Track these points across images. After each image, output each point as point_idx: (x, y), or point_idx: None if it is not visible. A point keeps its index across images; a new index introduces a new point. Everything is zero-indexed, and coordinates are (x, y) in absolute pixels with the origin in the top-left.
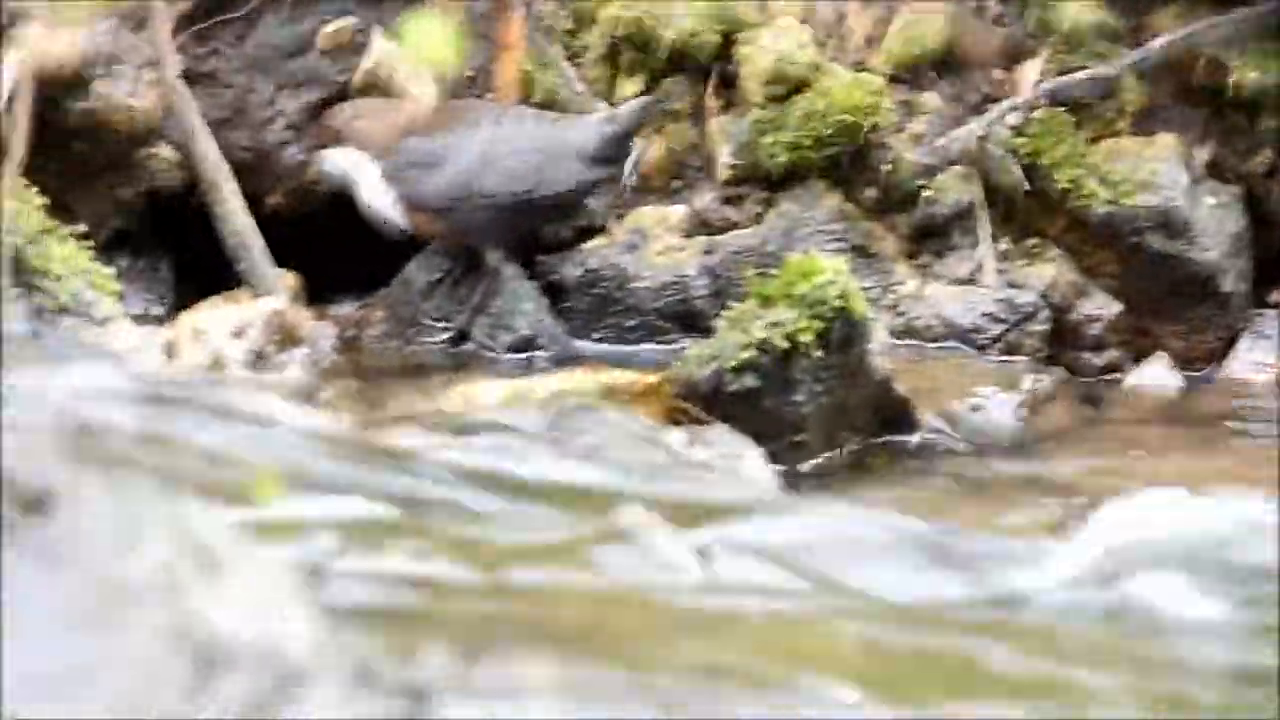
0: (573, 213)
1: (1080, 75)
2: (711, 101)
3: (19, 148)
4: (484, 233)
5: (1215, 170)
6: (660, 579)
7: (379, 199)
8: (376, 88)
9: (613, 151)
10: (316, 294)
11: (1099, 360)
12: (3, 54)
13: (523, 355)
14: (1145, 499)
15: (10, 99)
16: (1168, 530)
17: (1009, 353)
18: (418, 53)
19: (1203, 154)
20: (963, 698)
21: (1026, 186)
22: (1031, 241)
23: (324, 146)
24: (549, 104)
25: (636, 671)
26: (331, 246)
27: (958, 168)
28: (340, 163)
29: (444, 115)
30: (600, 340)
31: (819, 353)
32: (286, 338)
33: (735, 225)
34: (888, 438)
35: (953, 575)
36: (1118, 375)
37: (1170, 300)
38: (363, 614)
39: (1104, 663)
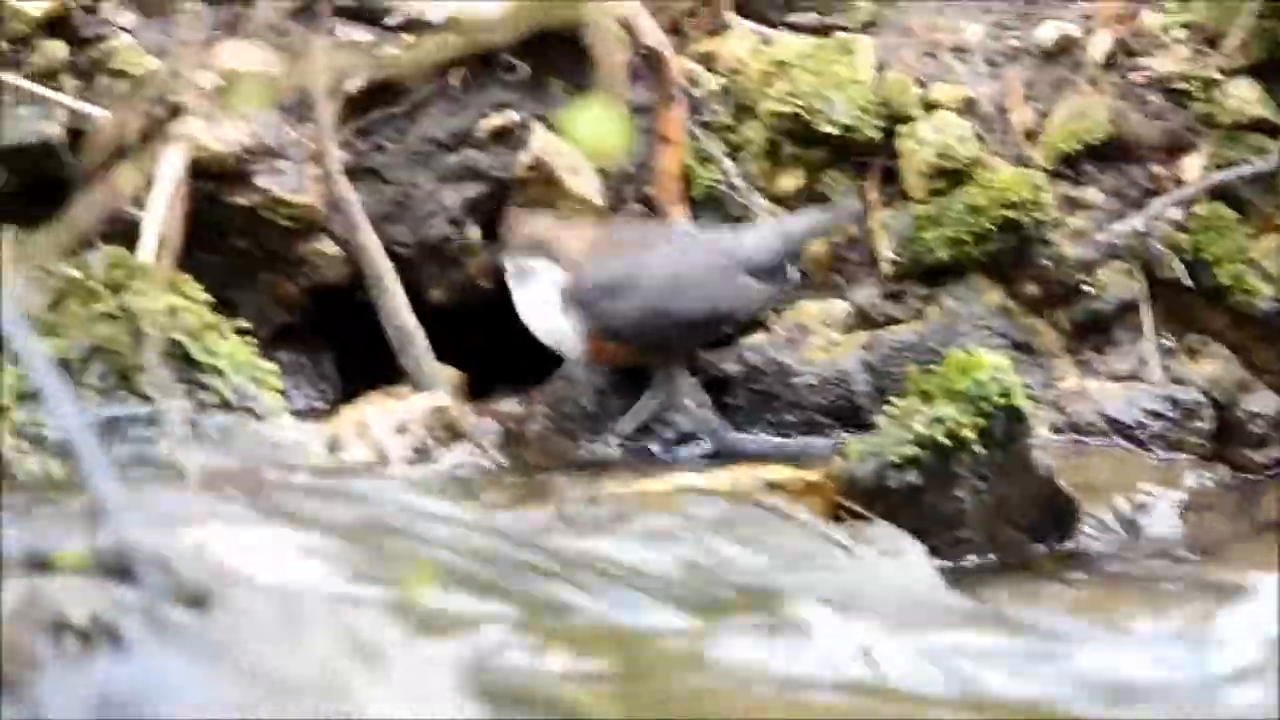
0: (752, 326)
1: (1243, 169)
2: (873, 195)
3: (178, 240)
4: (671, 354)
5: None
6: (824, 675)
7: (551, 319)
8: (537, 181)
9: (787, 265)
10: (478, 388)
11: (1263, 457)
12: (166, 147)
13: (683, 451)
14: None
15: (172, 193)
16: None
17: (1172, 449)
18: (581, 145)
19: None
20: None
21: (1189, 282)
22: (1194, 337)
23: (510, 248)
24: (709, 199)
25: None
26: (492, 340)
27: (1120, 262)
28: (524, 269)
29: (619, 235)
30: (761, 435)
31: (981, 449)
32: (449, 433)
33: (896, 320)
34: (1051, 535)
35: (1115, 684)
36: None
37: None
38: (525, 707)
39: None
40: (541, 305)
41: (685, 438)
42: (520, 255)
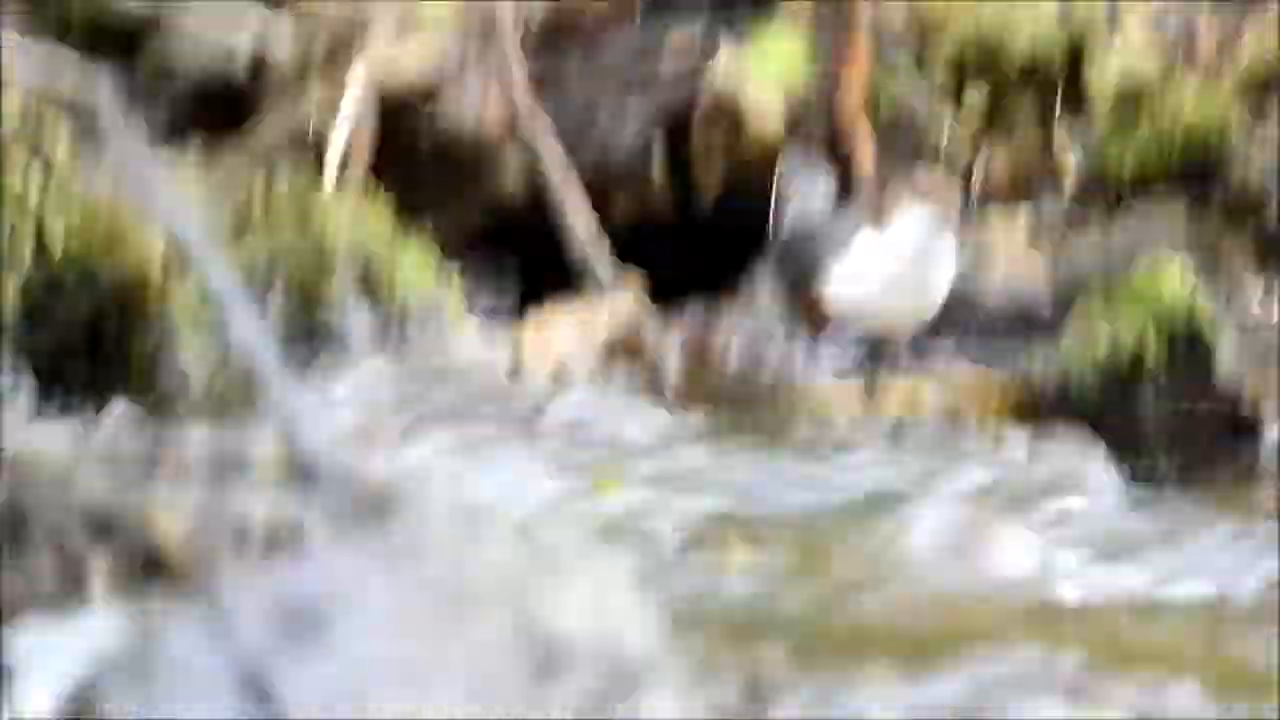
0: None
1: None
2: (1059, 110)
3: (363, 156)
4: None
5: None
6: (1008, 576)
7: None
8: (723, 101)
9: None
10: (660, 297)
11: None
12: (353, 66)
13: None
14: None
15: (358, 111)
16: None
17: None
18: (766, 69)
19: None
20: None
21: None
22: None
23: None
24: (894, 113)
25: (973, 670)
26: (674, 252)
27: None
28: (918, 226)
29: None
30: (949, 346)
31: (1164, 365)
32: (631, 346)
33: (1082, 234)
34: (1233, 452)
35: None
36: None
37: None
38: (702, 612)
39: None
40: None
41: (874, 349)
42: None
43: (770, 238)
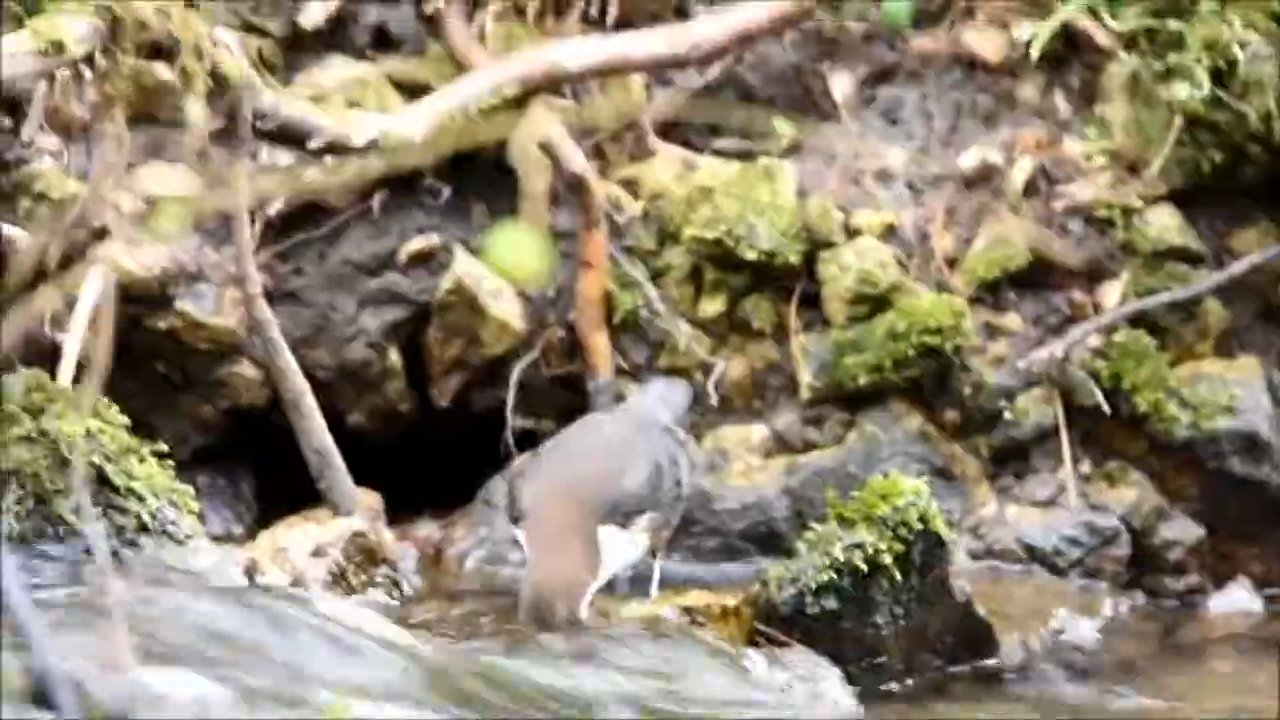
0: None
1: (1162, 297)
2: (794, 320)
3: (101, 364)
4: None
5: None
6: None
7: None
8: (459, 305)
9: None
10: (397, 511)
11: (1180, 584)
12: (87, 270)
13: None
14: None
15: (93, 317)
16: None
17: (1089, 576)
18: (503, 269)
19: None
20: None
21: (1108, 409)
22: (1113, 464)
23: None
24: (631, 324)
25: None
26: (411, 464)
27: (1039, 389)
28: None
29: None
30: (681, 560)
31: (899, 575)
32: (368, 557)
33: (816, 446)
34: (968, 661)
35: None
36: (1198, 599)
37: (1252, 524)
38: None
39: None
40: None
41: None
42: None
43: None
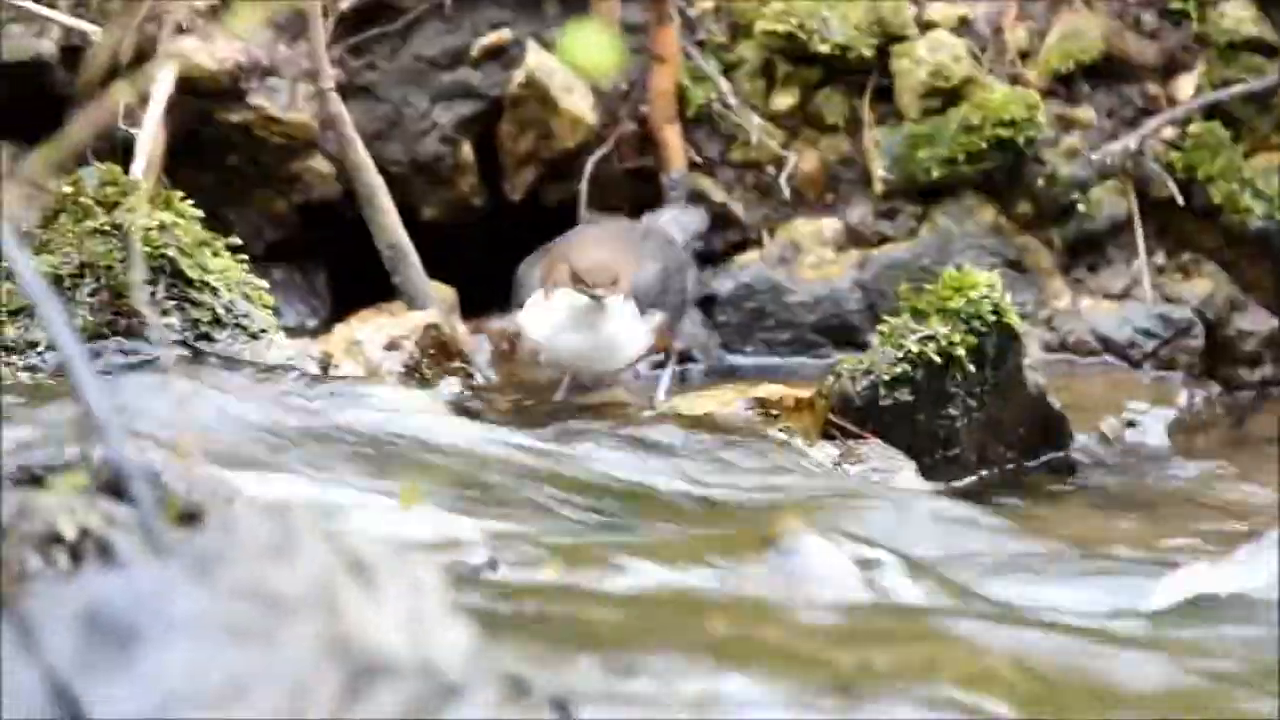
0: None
1: (1237, 89)
2: (867, 114)
3: (159, 157)
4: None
5: None
6: (817, 591)
7: (637, 334)
8: (531, 99)
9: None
10: (470, 305)
11: (1254, 375)
12: (160, 65)
13: (679, 368)
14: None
15: (165, 107)
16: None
17: (1163, 368)
18: (575, 64)
19: None
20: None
21: (1182, 201)
22: (1187, 256)
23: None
24: (703, 117)
25: (780, 683)
26: (485, 258)
27: (1112, 182)
28: (598, 303)
29: (622, 247)
30: (754, 354)
31: (973, 367)
32: (442, 350)
33: (889, 239)
34: (1042, 453)
35: (1086, 592)
36: (1272, 390)
37: None
38: (514, 624)
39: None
40: (612, 327)
41: (679, 356)
42: (590, 291)
43: None
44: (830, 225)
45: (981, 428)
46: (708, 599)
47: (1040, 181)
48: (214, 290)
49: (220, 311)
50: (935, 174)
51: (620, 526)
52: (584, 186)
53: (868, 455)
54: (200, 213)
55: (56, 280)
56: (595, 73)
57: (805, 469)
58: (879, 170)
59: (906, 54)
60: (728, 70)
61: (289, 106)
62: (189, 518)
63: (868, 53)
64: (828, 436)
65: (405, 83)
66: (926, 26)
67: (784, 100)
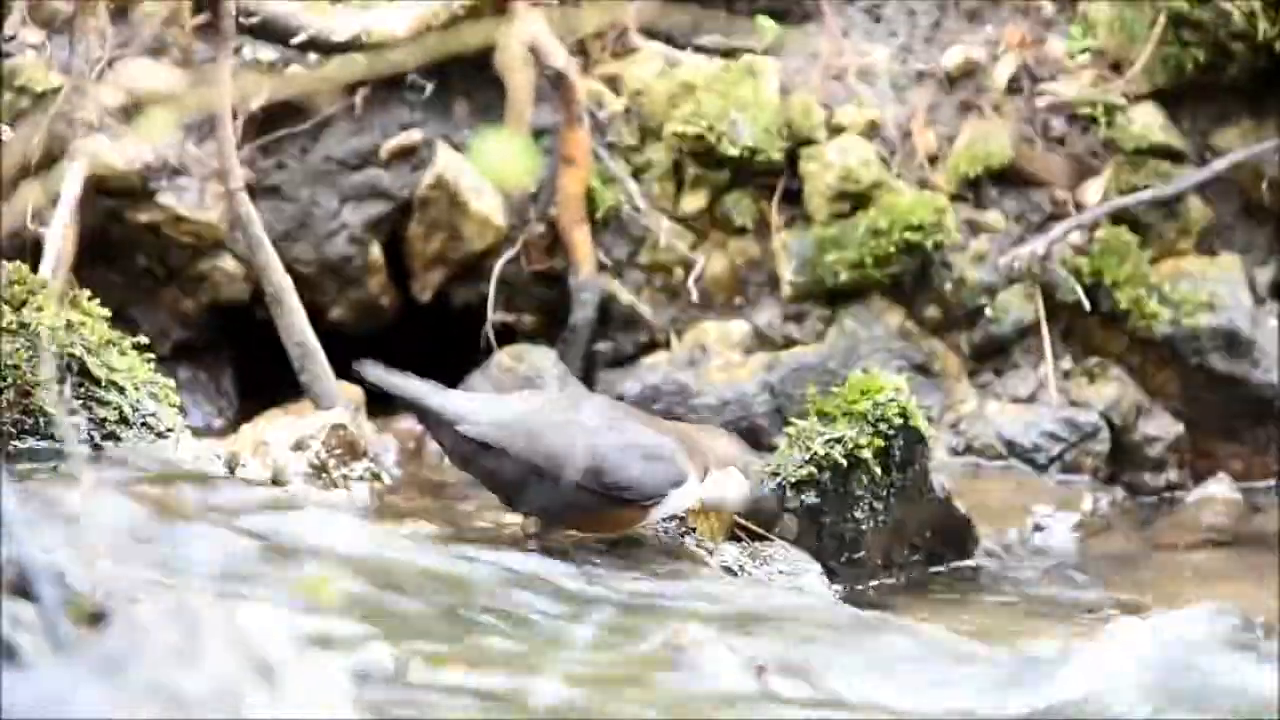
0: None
1: (1144, 194)
2: (775, 216)
3: (68, 256)
4: None
5: (1278, 291)
6: (713, 693)
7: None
8: (440, 201)
9: None
10: (377, 405)
11: (1159, 480)
12: (69, 165)
13: None
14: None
15: (73, 208)
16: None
17: (1069, 472)
18: (486, 170)
19: (1266, 274)
20: None
21: (1088, 306)
22: (1093, 360)
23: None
24: (612, 220)
25: None
26: (392, 358)
27: (1019, 286)
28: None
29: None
30: None
31: (879, 470)
32: (349, 450)
33: (797, 342)
34: (947, 559)
35: (952, 696)
36: (1177, 495)
37: (1232, 421)
38: None
39: None
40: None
41: None
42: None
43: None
44: (738, 328)
45: (887, 531)
46: (615, 702)
47: (948, 286)
48: (120, 389)
49: (127, 410)
50: (843, 277)
51: (527, 622)
52: (492, 288)
53: (773, 557)
54: (107, 312)
55: None
56: (508, 182)
57: (710, 573)
58: (787, 273)
59: (815, 157)
60: (637, 173)
61: (198, 206)
62: (96, 618)
63: (777, 155)
64: (734, 539)
65: (314, 183)
66: (836, 130)
67: (693, 202)
